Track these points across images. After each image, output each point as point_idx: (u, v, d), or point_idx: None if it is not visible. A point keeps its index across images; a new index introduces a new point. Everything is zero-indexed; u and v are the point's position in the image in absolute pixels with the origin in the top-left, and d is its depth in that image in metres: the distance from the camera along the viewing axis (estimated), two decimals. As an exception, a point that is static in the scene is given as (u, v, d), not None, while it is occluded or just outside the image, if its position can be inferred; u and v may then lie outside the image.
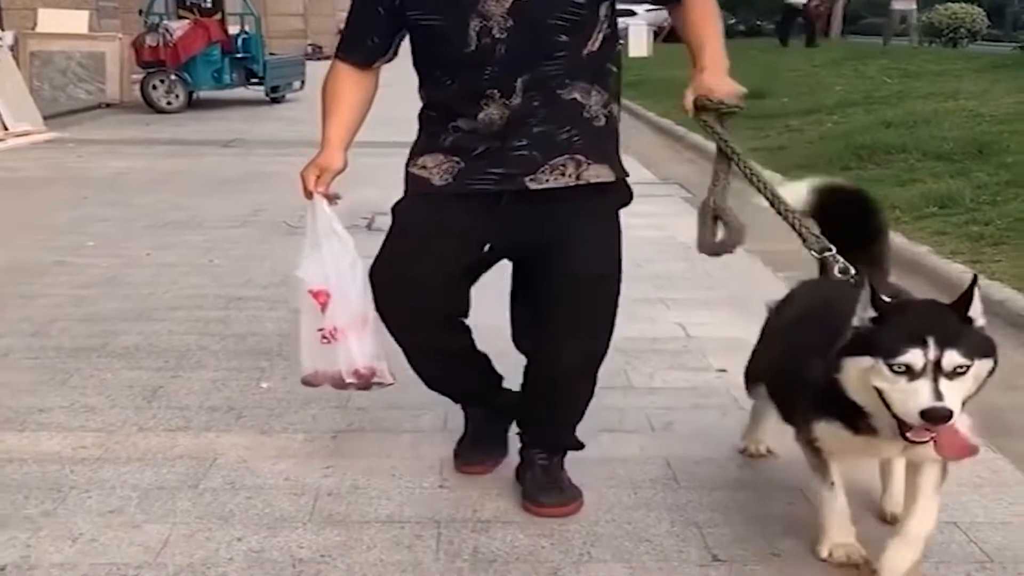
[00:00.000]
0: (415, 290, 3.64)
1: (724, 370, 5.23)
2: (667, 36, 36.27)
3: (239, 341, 5.85)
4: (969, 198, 8.97)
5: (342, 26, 3.85)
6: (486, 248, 3.69)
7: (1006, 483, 4.08)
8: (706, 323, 6.10)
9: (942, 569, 3.45)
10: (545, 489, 3.86)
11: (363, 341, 3.80)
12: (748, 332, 4.09)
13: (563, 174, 3.57)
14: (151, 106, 19.01)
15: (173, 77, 19.13)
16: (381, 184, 11.00)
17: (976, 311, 2.94)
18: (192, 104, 19.56)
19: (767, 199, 3.62)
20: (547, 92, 3.51)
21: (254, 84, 20.77)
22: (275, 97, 21.14)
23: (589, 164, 3.60)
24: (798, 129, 14.55)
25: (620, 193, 3.76)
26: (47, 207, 9.99)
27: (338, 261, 3.76)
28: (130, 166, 12.57)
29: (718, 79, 3.61)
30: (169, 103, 19.13)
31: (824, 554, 3.45)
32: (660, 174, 11.98)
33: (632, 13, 34.52)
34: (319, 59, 28.20)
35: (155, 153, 13.73)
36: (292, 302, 6.48)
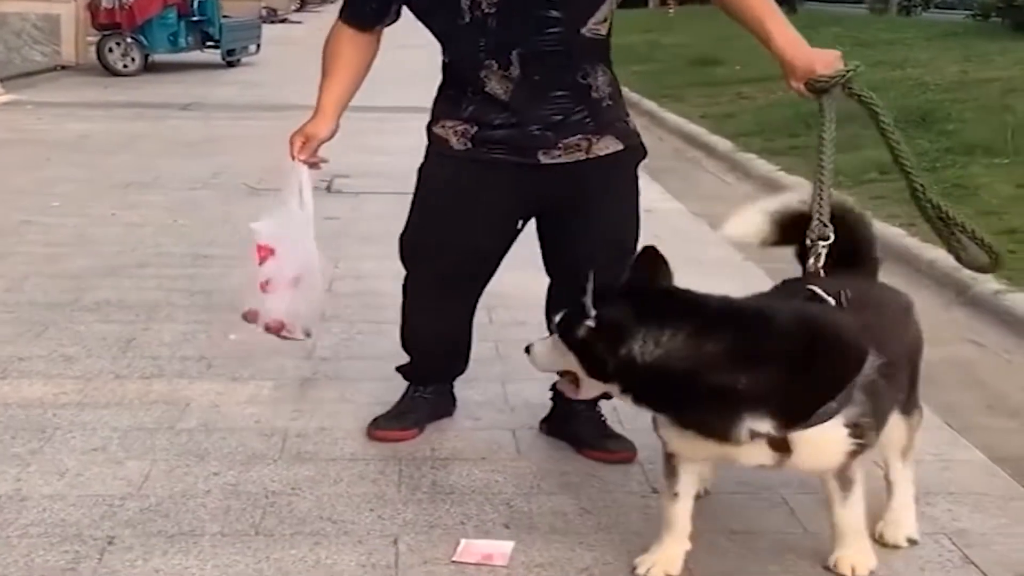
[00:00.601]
0: (443, 255, 3.93)
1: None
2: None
3: (206, 297, 6.11)
4: (910, 164, 9.30)
5: None
6: (509, 217, 3.91)
7: (926, 426, 4.38)
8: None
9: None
10: (609, 436, 4.12)
11: (283, 298, 4.07)
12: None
13: (577, 150, 3.77)
14: (107, 69, 19.09)
15: (129, 40, 19.22)
16: (343, 147, 11.29)
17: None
18: (148, 67, 19.66)
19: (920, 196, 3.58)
20: (550, 70, 3.69)
21: (210, 47, 20.87)
22: (231, 60, 21.25)
23: (598, 138, 3.79)
24: (749, 96, 14.90)
25: (632, 154, 3.90)
26: (9, 168, 10.18)
27: (292, 222, 4.05)
28: (90, 128, 12.74)
29: (813, 55, 3.53)
30: (125, 66, 19.21)
31: (640, 570, 3.32)
32: None
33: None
34: (273, 22, 28.21)
35: (114, 116, 13.89)
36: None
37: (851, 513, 3.27)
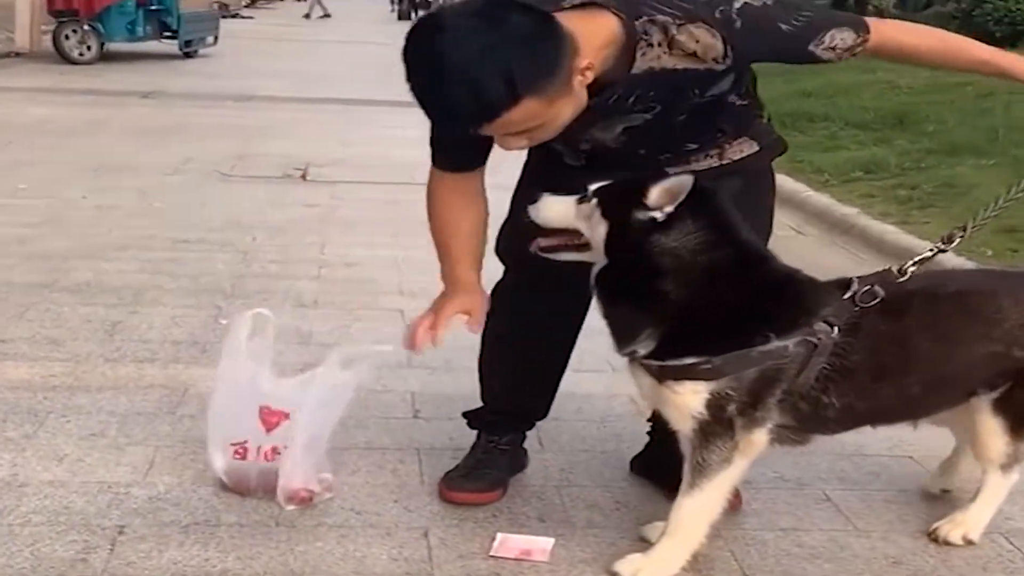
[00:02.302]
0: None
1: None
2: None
3: (192, 281, 5.87)
4: (894, 164, 9.23)
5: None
6: None
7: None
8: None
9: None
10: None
11: (298, 463, 3.44)
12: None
13: (708, 157, 3.34)
14: (63, 56, 18.63)
15: (86, 27, 18.76)
16: (312, 137, 11.17)
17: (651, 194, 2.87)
18: (104, 56, 19.26)
19: None
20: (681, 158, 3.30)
21: (167, 37, 20.46)
22: (189, 52, 20.85)
23: (731, 143, 3.36)
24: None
25: (768, 151, 3.46)
26: (-29, 151, 9.86)
27: (316, 387, 3.47)
28: (51, 114, 12.39)
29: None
30: (81, 54, 18.76)
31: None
32: None
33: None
34: (224, 17, 27.81)
35: (74, 102, 13.54)
36: (238, 245, 6.56)
37: (683, 507, 3.07)
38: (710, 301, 2.90)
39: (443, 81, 2.66)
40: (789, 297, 2.99)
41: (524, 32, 2.68)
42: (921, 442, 3.86)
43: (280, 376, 3.53)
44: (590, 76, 2.85)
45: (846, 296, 2.99)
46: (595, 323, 3.17)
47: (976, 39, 3.29)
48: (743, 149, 3.35)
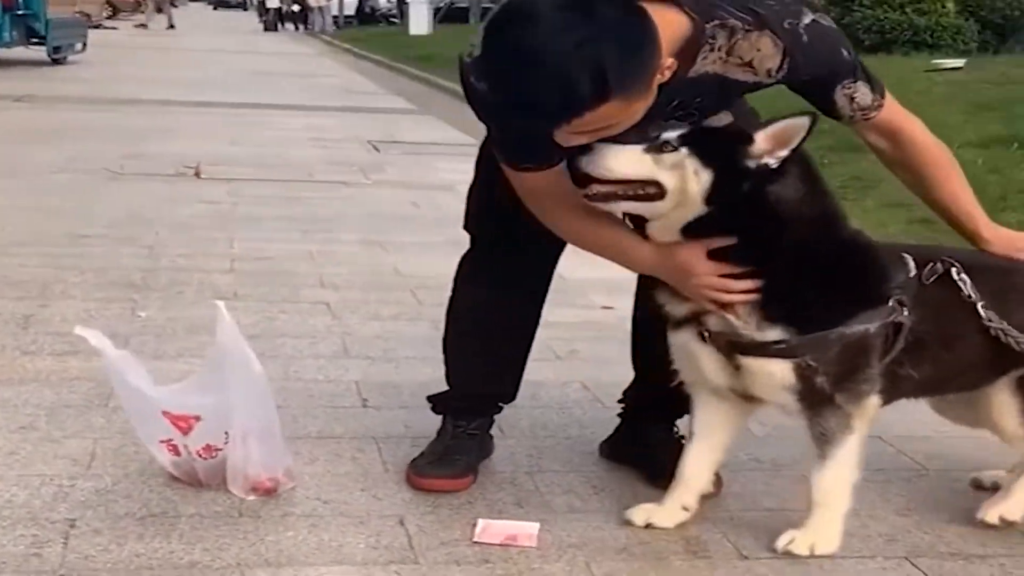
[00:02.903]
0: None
1: (610, 307, 5.20)
2: (445, 16, 36.56)
3: (99, 274, 5.58)
4: (799, 162, 9.21)
5: None
6: None
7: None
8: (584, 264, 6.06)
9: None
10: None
11: (244, 454, 3.18)
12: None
13: None
14: (-74, 61, 18.02)
15: (-50, 32, 18.18)
16: (201, 137, 10.84)
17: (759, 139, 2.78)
18: (-34, 62, 18.65)
19: None
20: None
21: (35, 43, 19.87)
22: (57, 58, 20.30)
23: None
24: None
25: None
26: None
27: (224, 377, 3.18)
28: (-81, 116, 11.91)
29: (996, 235, 3.18)
30: (-56, 59, 18.17)
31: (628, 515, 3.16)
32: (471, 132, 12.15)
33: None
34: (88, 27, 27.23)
35: (-57, 106, 13.04)
36: (142, 240, 6.29)
37: (824, 479, 2.98)
38: (805, 262, 2.84)
39: (536, 74, 2.49)
40: (870, 271, 2.92)
41: (618, 27, 2.53)
42: (890, 423, 3.73)
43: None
44: (668, 76, 2.71)
45: (911, 273, 2.94)
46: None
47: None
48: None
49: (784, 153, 2.76)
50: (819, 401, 2.89)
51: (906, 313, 2.87)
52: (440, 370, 3.51)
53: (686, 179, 2.78)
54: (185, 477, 3.24)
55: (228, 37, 32.82)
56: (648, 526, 3.10)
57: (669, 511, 3.12)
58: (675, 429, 3.51)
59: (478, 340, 3.38)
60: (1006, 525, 3.17)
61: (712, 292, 2.84)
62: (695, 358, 2.99)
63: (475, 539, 3.00)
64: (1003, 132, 10.22)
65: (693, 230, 2.83)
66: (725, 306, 2.86)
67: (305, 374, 4.26)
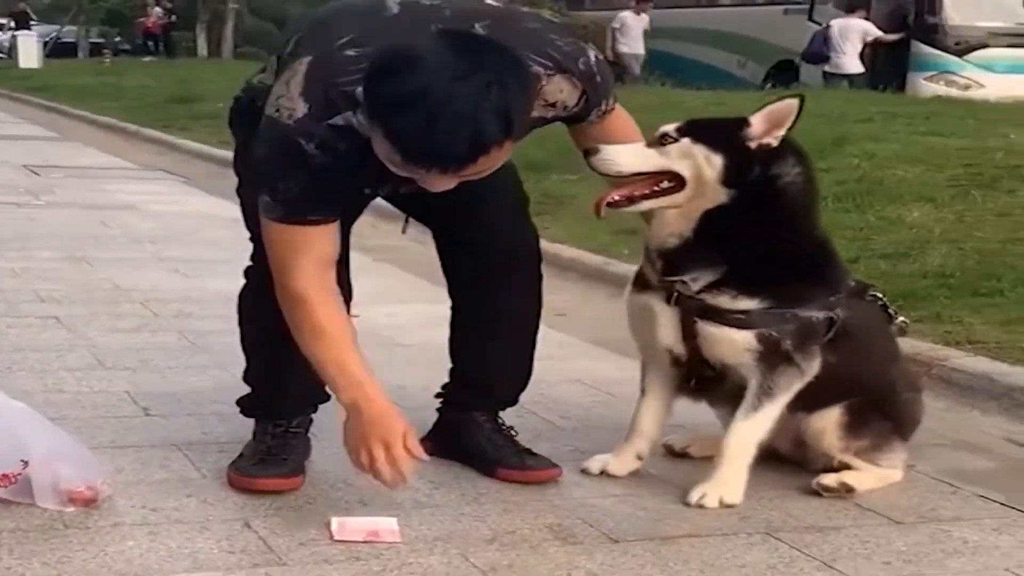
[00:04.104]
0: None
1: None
2: (52, 50, 35.33)
3: None
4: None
5: None
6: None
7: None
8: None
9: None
10: (526, 452, 3.32)
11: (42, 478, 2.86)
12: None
13: None
14: None
15: None
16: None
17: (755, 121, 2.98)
18: None
19: None
20: None
21: None
22: None
23: None
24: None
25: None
26: None
27: None
28: None
29: None
30: None
31: (586, 464, 3.33)
32: (134, 161, 11.73)
33: (27, 27, 34.16)
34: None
35: None
36: None
37: (742, 430, 3.11)
38: (787, 239, 3.03)
39: (444, 118, 2.46)
40: (829, 264, 3.16)
41: (511, 70, 2.57)
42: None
43: None
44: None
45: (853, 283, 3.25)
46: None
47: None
48: None
49: (781, 133, 2.94)
50: (778, 360, 3.04)
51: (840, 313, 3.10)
52: (206, 377, 3.59)
53: (699, 166, 2.94)
54: None
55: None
56: (603, 473, 3.27)
57: (624, 460, 3.28)
58: (500, 420, 3.40)
59: (278, 340, 3.09)
60: (847, 491, 3.22)
61: (376, 465, 2.79)
62: (654, 320, 3.12)
63: (336, 537, 2.78)
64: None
65: (710, 218, 2.99)
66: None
67: (66, 386, 3.91)
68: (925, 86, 16.65)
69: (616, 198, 3.01)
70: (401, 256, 6.28)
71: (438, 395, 3.46)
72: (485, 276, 3.25)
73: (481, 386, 3.36)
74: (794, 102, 2.94)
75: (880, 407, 3.26)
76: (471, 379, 3.38)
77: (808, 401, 3.17)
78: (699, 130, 3.00)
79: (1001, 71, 16.91)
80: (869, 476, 3.25)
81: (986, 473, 3.55)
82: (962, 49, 17.39)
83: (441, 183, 2.65)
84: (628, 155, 2.98)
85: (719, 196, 2.97)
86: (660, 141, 2.98)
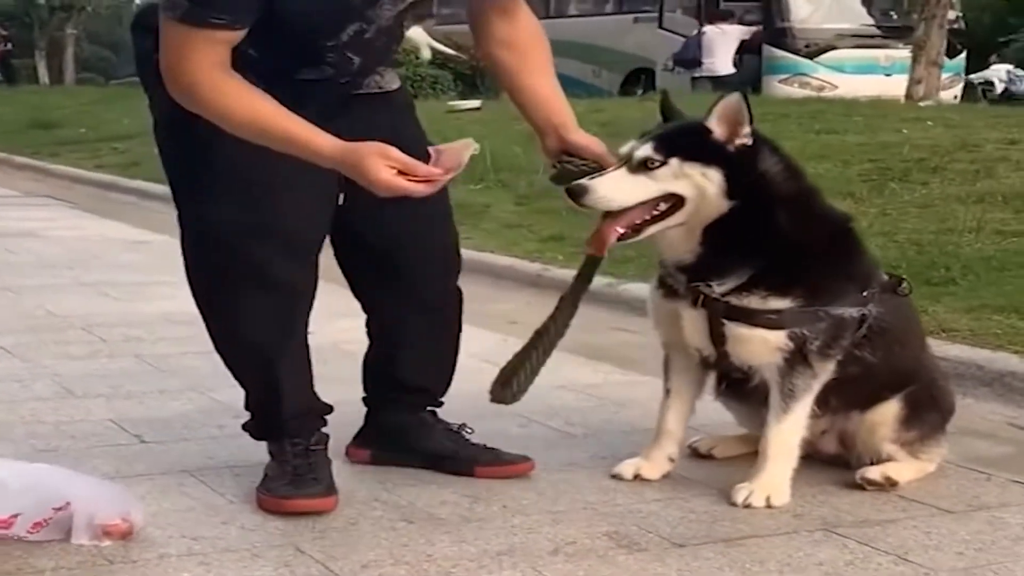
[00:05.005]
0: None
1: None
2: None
3: None
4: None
5: None
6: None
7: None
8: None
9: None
10: (484, 447, 3.28)
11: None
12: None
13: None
14: None
15: None
16: None
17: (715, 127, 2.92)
18: None
19: None
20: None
21: None
22: None
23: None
24: (126, 150, 14.03)
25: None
26: None
27: None
28: None
29: (586, 135, 3.09)
30: None
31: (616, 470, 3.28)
32: (13, 188, 11.39)
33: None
34: None
35: None
36: None
37: (781, 431, 3.08)
38: (802, 227, 3.01)
39: None
40: (857, 258, 3.15)
41: None
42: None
43: None
44: None
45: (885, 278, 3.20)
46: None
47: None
48: (396, 81, 3.23)
49: (747, 130, 2.90)
50: (798, 362, 3.01)
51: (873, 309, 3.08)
52: (185, 400, 3.60)
53: (699, 184, 2.90)
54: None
55: None
56: (636, 477, 3.21)
57: (656, 463, 3.25)
58: (437, 414, 3.36)
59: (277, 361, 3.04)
60: (890, 485, 3.19)
61: (393, 190, 2.67)
62: (680, 322, 3.09)
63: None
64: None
65: (719, 228, 2.95)
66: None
67: (44, 416, 3.72)
68: (779, 88, 17.01)
69: (622, 231, 2.93)
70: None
71: (364, 396, 3.38)
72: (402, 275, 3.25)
73: (421, 386, 3.32)
74: (738, 96, 2.89)
75: (932, 396, 3.26)
76: (409, 380, 3.31)
77: (863, 399, 3.17)
78: (679, 148, 2.91)
79: (851, 71, 17.41)
80: (909, 468, 3.23)
81: (1006, 458, 3.55)
82: (812, 51, 17.86)
83: None
84: (623, 188, 2.89)
85: (721, 207, 2.93)
86: (644, 165, 2.89)
